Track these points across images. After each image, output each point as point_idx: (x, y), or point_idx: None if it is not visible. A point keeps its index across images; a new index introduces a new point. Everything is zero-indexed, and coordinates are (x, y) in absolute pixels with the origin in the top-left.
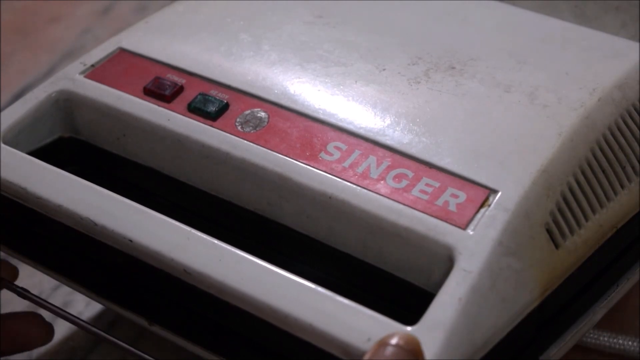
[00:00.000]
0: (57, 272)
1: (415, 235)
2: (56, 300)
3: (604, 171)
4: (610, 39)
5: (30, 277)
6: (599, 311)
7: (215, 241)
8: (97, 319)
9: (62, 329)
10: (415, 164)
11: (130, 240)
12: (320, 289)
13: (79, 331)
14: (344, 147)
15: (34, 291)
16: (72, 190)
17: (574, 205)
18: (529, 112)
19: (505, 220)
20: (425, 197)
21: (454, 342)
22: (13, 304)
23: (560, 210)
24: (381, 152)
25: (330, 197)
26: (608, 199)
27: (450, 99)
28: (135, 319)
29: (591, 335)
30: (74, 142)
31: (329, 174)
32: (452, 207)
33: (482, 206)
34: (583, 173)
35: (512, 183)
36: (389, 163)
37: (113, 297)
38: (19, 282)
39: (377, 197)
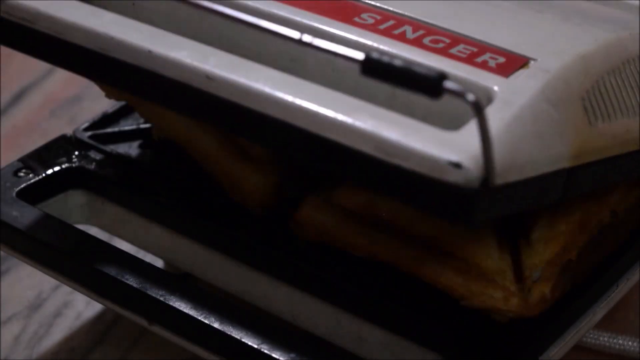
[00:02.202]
0: (57, 272)
1: (455, 79)
2: (56, 300)
3: (632, 87)
4: None
5: (30, 277)
6: (599, 311)
7: (238, 58)
8: (97, 319)
9: (62, 329)
10: (450, 34)
11: (150, 51)
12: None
13: (79, 331)
14: (377, 16)
15: (34, 291)
16: (89, 11)
17: (606, 98)
18: (564, 25)
19: (545, 78)
20: (464, 55)
21: (494, 149)
22: (13, 304)
23: (594, 95)
24: (415, 23)
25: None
26: (635, 112)
27: (489, 7)
28: (135, 319)
29: (591, 335)
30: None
31: (364, 29)
32: (492, 64)
33: (521, 67)
34: (616, 77)
35: (551, 56)
36: (424, 32)
37: (113, 297)
38: (19, 282)
39: (413, 48)
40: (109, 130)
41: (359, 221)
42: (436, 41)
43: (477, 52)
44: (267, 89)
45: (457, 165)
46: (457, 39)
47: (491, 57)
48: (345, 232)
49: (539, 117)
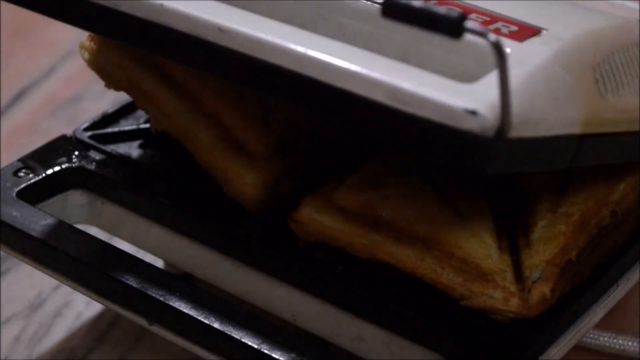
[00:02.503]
0: (57, 272)
1: (467, 41)
2: (56, 300)
3: None
4: None
5: (31, 277)
6: (599, 311)
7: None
8: (97, 319)
9: (62, 329)
10: (463, 5)
11: (161, 5)
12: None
13: (79, 331)
14: None
15: (34, 291)
16: None
17: (616, 73)
18: (575, 7)
19: (558, 44)
20: (477, 22)
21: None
22: (13, 304)
23: (605, 69)
24: None
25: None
26: None
27: None
28: (135, 319)
29: (591, 335)
30: None
31: None
32: (505, 31)
33: (534, 35)
34: (625, 56)
35: (564, 28)
36: (435, 2)
37: (113, 297)
38: (19, 282)
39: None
40: (109, 130)
41: (359, 221)
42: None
43: (489, 21)
44: (281, 41)
45: (473, 113)
46: (469, 9)
47: (504, 26)
48: (345, 232)
49: (552, 79)
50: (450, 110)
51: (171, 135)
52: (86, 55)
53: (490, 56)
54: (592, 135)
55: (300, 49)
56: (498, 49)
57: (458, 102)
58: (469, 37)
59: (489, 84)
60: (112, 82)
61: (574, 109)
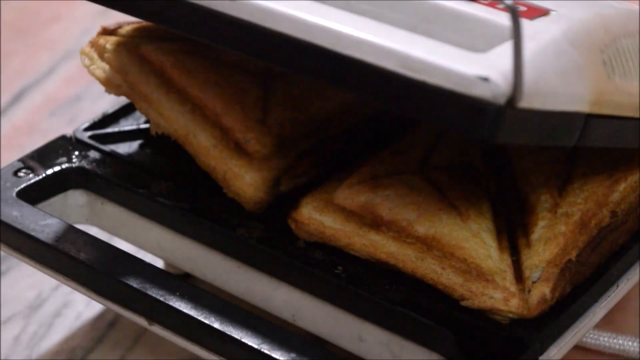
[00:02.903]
0: (57, 272)
1: (477, 19)
2: (56, 300)
3: None
4: None
5: (31, 277)
6: (599, 311)
7: None
8: (97, 319)
9: (62, 329)
10: None
11: None
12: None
13: (79, 331)
14: None
15: (34, 291)
16: None
17: (623, 58)
18: None
19: (568, 23)
20: (485, 1)
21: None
22: (13, 304)
23: (612, 53)
24: None
25: None
26: None
27: None
28: (135, 319)
29: (591, 335)
30: None
31: None
32: None
33: (543, 15)
34: (633, 43)
35: (573, 10)
36: None
37: (113, 297)
38: (19, 282)
39: None
40: (109, 130)
41: (359, 221)
42: None
43: (498, 1)
44: (291, 11)
45: (485, 79)
46: None
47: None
48: (345, 232)
49: (562, 55)
50: (462, 77)
51: (171, 137)
52: (87, 61)
53: (499, 33)
54: (598, 116)
55: (310, 18)
56: (513, 13)
57: (470, 69)
58: (479, 13)
59: (501, 53)
60: (113, 88)
61: (582, 87)
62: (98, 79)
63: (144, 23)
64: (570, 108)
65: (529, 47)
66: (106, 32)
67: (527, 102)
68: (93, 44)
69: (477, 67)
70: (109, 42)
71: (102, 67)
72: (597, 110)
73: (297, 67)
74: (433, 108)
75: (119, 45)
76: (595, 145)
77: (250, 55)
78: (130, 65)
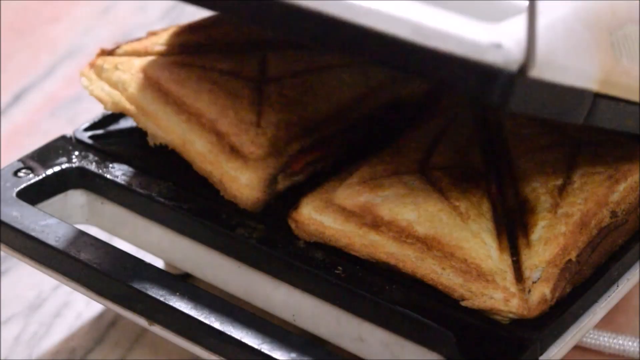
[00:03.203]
0: (57, 272)
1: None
2: (56, 300)
3: None
4: None
5: (31, 277)
6: (599, 311)
7: None
8: (97, 319)
9: (62, 329)
10: None
11: None
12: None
13: (79, 331)
14: None
15: (34, 291)
16: None
17: (631, 43)
18: None
19: (577, 3)
20: None
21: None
22: (13, 304)
23: (621, 37)
24: None
25: None
26: None
27: None
28: (135, 319)
29: (591, 335)
30: None
31: None
32: None
33: None
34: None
35: None
36: None
37: (113, 297)
38: (19, 282)
39: None
40: (109, 130)
41: (359, 221)
42: None
43: None
44: None
45: (498, 46)
46: None
47: None
48: (345, 232)
49: (572, 32)
50: (475, 43)
51: (169, 147)
52: (85, 82)
53: (512, 8)
54: (607, 97)
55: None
56: None
57: (483, 36)
58: None
59: (514, 24)
60: (112, 105)
61: (591, 64)
62: (97, 97)
63: (140, 42)
64: (579, 84)
65: (541, 22)
66: (104, 53)
67: (538, 71)
68: (92, 65)
69: (490, 35)
70: (106, 62)
71: (100, 86)
72: (605, 90)
73: (312, 37)
74: (447, 75)
75: (116, 64)
76: (601, 126)
77: (265, 28)
78: (127, 81)
